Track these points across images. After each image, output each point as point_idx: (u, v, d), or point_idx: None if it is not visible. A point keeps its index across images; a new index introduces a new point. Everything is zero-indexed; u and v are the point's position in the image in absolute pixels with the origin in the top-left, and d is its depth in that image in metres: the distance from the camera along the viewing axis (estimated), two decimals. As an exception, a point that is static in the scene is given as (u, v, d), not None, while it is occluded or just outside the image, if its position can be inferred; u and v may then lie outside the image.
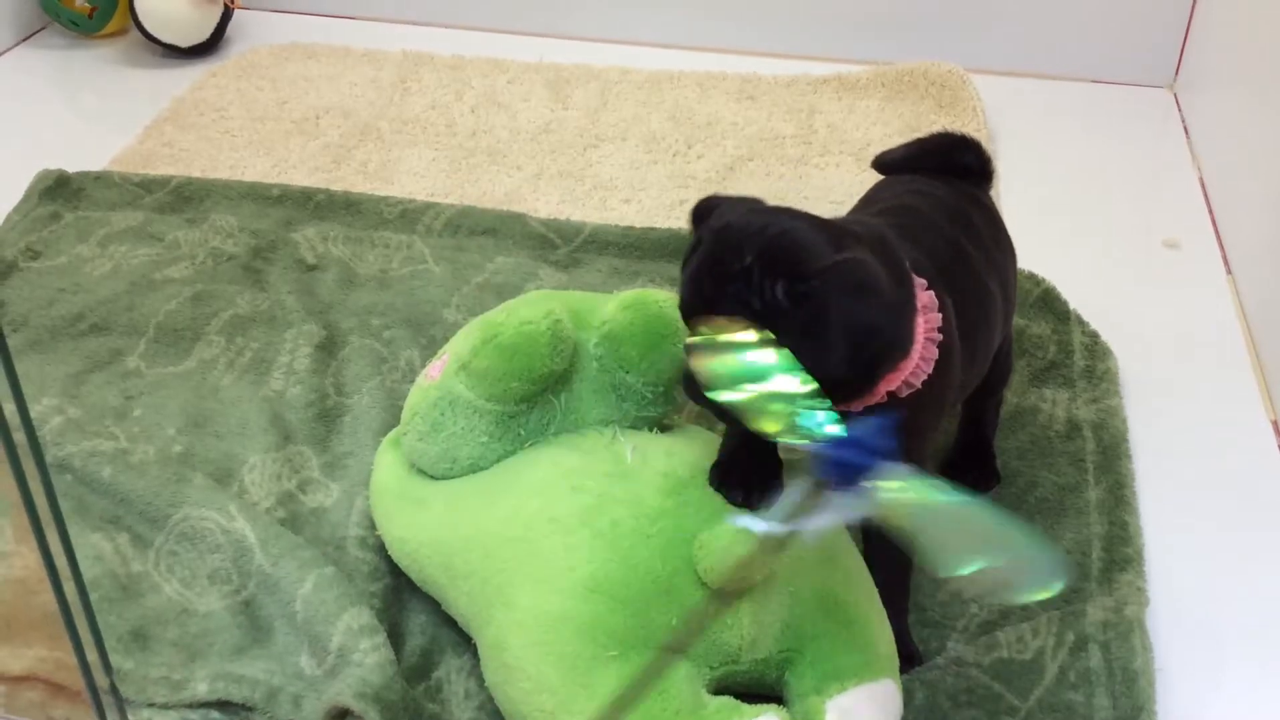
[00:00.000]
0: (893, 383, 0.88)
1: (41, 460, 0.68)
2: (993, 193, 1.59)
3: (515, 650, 0.88)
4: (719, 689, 0.88)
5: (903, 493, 0.74)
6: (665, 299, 1.01)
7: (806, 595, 0.90)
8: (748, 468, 0.92)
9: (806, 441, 0.77)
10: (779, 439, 0.79)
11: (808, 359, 0.79)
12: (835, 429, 0.76)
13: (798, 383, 0.79)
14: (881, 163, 1.13)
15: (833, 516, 0.78)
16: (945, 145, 1.11)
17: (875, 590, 0.94)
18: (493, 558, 0.92)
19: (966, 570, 0.72)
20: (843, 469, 0.74)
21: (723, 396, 0.81)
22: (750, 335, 0.84)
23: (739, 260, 0.83)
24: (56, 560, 0.72)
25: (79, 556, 0.73)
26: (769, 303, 0.82)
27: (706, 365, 0.84)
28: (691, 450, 0.96)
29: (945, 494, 0.74)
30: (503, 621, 0.90)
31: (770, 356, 0.82)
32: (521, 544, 0.91)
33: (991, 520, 0.73)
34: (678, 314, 1.00)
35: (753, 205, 0.91)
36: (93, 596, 0.91)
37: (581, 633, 0.86)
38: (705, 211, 0.91)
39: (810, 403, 0.78)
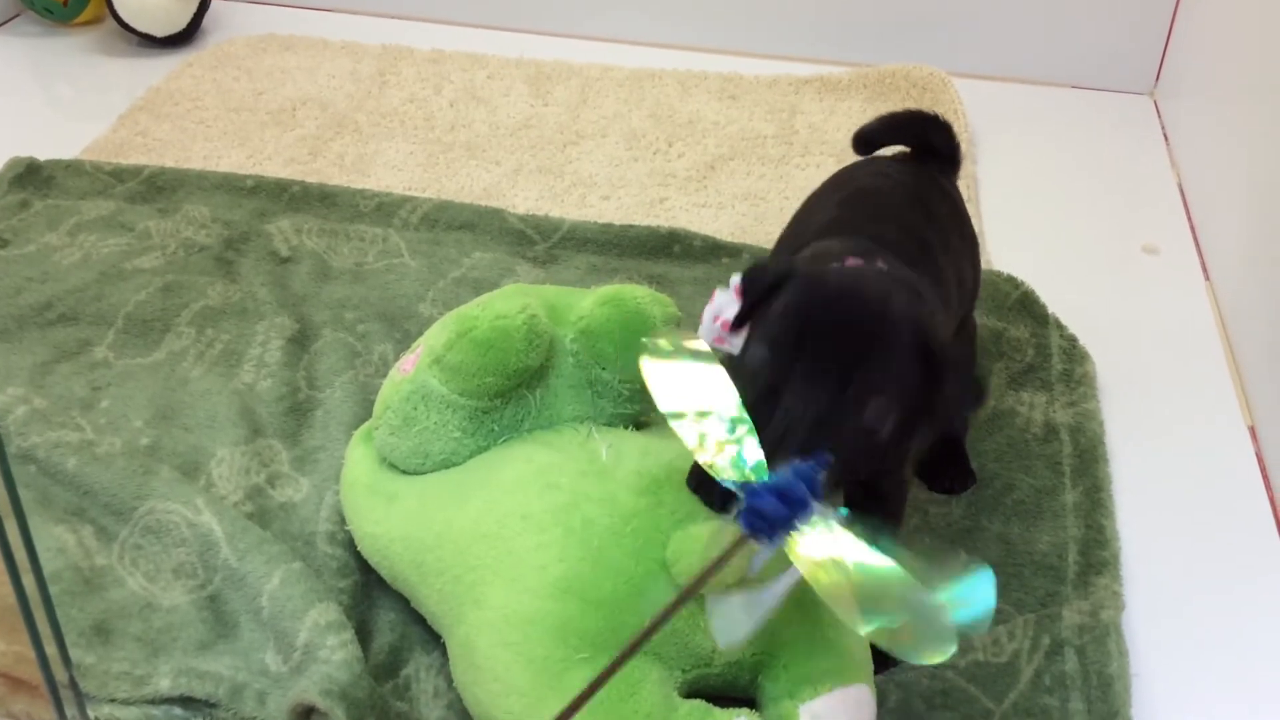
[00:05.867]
0: None
1: (3, 450, 0.67)
2: (974, 195, 1.61)
3: (485, 650, 0.86)
4: (691, 692, 0.87)
5: (820, 549, 0.72)
6: (643, 295, 0.99)
7: (781, 597, 0.89)
8: None
9: (734, 479, 0.75)
10: (712, 470, 0.77)
11: (902, 398, 0.81)
12: (757, 457, 0.75)
13: (737, 407, 0.78)
14: (859, 138, 1.16)
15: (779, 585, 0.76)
16: (917, 121, 1.14)
17: (850, 592, 0.93)
18: (464, 555, 0.91)
19: (867, 629, 0.71)
20: (764, 520, 0.72)
21: (662, 404, 0.80)
22: (705, 347, 0.83)
23: (861, 320, 0.82)
24: (16, 553, 0.70)
25: (42, 549, 0.72)
26: (890, 351, 0.81)
27: (661, 367, 0.83)
28: (667, 449, 0.95)
29: (863, 550, 0.72)
30: (473, 620, 0.88)
31: (718, 375, 0.80)
32: (494, 541, 0.90)
33: (901, 580, 0.72)
34: (655, 310, 1.00)
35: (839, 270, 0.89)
36: (55, 589, 0.90)
37: (552, 634, 0.85)
38: (772, 282, 0.87)
39: (745, 430, 0.77)
